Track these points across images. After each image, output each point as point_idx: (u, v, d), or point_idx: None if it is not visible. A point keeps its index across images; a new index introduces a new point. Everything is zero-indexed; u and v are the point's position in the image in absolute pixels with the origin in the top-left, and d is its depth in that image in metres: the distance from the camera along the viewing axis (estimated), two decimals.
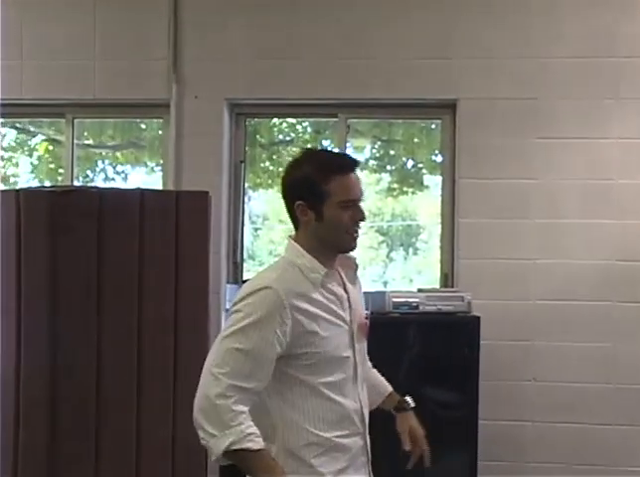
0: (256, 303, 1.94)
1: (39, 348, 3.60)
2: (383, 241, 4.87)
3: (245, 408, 1.90)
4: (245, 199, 4.65)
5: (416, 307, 3.82)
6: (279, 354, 1.96)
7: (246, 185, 4.67)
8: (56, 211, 3.62)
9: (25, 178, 4.99)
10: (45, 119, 4.95)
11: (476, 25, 4.31)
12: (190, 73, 4.44)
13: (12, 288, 3.60)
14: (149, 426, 3.65)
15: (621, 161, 4.22)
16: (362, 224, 2.09)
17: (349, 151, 4.52)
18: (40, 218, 3.62)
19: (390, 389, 2.39)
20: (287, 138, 4.93)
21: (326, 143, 4.85)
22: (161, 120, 4.65)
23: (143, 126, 4.95)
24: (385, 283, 4.76)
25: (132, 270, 3.66)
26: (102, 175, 4.94)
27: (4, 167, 4.96)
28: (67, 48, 4.48)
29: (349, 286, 2.14)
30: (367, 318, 2.19)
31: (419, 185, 4.79)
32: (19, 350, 3.61)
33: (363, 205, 2.10)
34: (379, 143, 4.82)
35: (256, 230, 4.95)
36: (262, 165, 4.88)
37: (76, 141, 4.70)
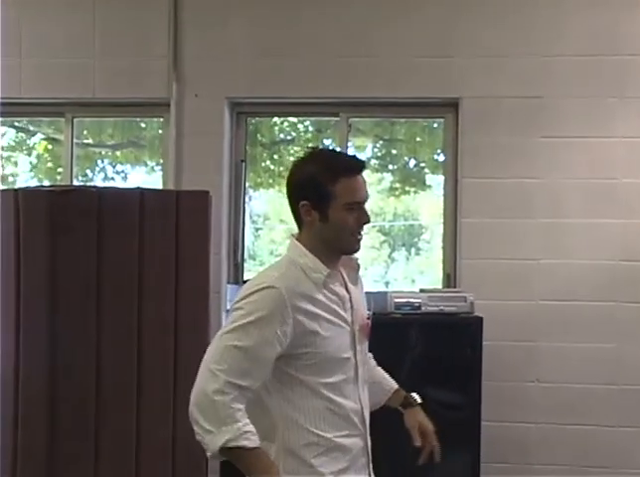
0: (258, 302, 1.93)
1: (38, 348, 3.61)
2: (384, 241, 4.86)
3: (242, 406, 1.89)
4: (246, 198, 4.63)
5: (419, 308, 3.81)
6: (279, 353, 1.95)
7: (247, 184, 4.66)
8: (55, 210, 3.63)
9: (24, 177, 4.99)
10: (44, 118, 4.94)
11: (479, 23, 4.30)
12: (190, 71, 4.43)
13: (11, 288, 3.61)
14: (149, 427, 3.66)
15: (625, 160, 4.20)
16: (366, 226, 2.09)
17: (350, 150, 4.52)
18: (39, 217, 3.63)
19: (395, 386, 2.38)
20: (288, 137, 4.92)
21: (327, 142, 4.85)
22: (161, 119, 4.64)
23: (143, 125, 4.94)
24: (386, 284, 4.75)
25: (132, 270, 3.66)
26: (102, 174, 4.93)
27: (3, 166, 4.95)
28: (66, 46, 4.46)
29: (351, 287, 2.14)
30: (368, 319, 2.18)
31: (422, 184, 4.78)
32: (18, 350, 3.62)
33: (366, 206, 2.09)
34: (380, 142, 4.81)
35: (257, 229, 4.94)
36: (263, 164, 4.87)
37: (75, 140, 4.69)
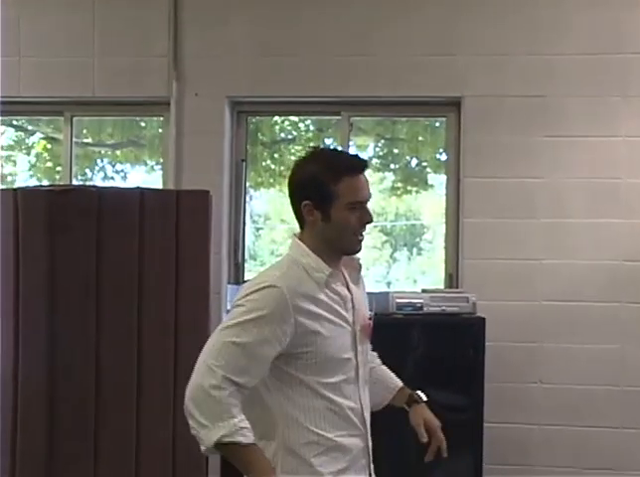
0: (260, 300, 1.93)
1: (37, 348, 3.62)
2: (386, 241, 4.85)
3: (238, 402, 1.90)
4: (247, 198, 4.62)
5: (420, 308, 3.80)
6: (279, 352, 1.95)
7: (248, 184, 4.65)
8: (54, 210, 3.63)
9: (23, 177, 4.99)
10: (43, 117, 4.94)
11: (481, 21, 4.28)
12: (190, 70, 4.42)
13: (10, 288, 3.61)
14: (149, 427, 3.66)
15: (629, 159, 4.19)
16: (368, 226, 2.08)
17: (352, 149, 4.52)
18: (38, 217, 3.63)
19: (399, 384, 2.36)
20: (289, 136, 4.91)
21: (329, 141, 4.84)
22: (161, 118, 4.63)
23: (143, 124, 4.94)
24: (388, 284, 4.74)
25: (132, 270, 3.66)
26: (101, 174, 4.93)
27: (2, 166, 4.94)
28: (65, 44, 4.46)
29: (352, 287, 2.13)
30: (370, 319, 2.17)
31: (424, 184, 4.78)
32: (17, 350, 3.62)
33: (369, 206, 2.09)
34: (382, 141, 4.80)
35: (258, 229, 4.94)
36: (264, 164, 4.87)
37: (74, 139, 4.68)
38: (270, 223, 4.95)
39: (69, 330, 3.63)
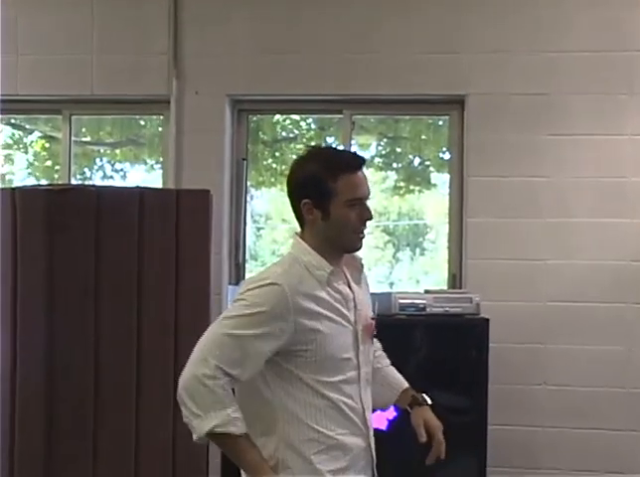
0: (261, 296, 1.95)
1: (36, 348, 3.62)
2: (389, 241, 4.86)
3: (231, 392, 1.93)
4: (248, 198, 4.61)
5: (423, 309, 3.78)
6: (276, 349, 1.96)
7: (249, 183, 4.64)
8: (53, 210, 3.63)
9: (20, 176, 5.00)
10: (41, 116, 4.94)
11: (485, 18, 4.26)
12: (191, 68, 4.40)
13: (8, 287, 3.61)
14: (148, 427, 3.67)
15: (635, 158, 4.16)
16: (368, 223, 2.09)
17: (354, 148, 4.51)
18: (36, 217, 3.63)
19: (404, 385, 2.35)
20: (291, 135, 4.92)
21: (330, 140, 4.85)
22: (161, 117, 4.62)
23: (142, 123, 4.95)
24: (391, 284, 4.75)
25: (131, 270, 3.67)
26: (100, 173, 4.94)
27: (1, 165, 4.95)
28: (64, 42, 4.44)
29: (354, 287, 2.13)
30: (373, 319, 2.18)
31: (426, 183, 4.77)
32: (15, 350, 3.62)
33: (369, 203, 2.09)
34: (385, 140, 4.80)
35: (259, 229, 4.95)
36: (265, 163, 4.87)
37: (73, 138, 4.67)
38: (271, 222, 4.96)
39: (67, 330, 3.63)
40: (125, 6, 4.43)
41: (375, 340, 2.29)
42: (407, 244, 4.87)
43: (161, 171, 4.65)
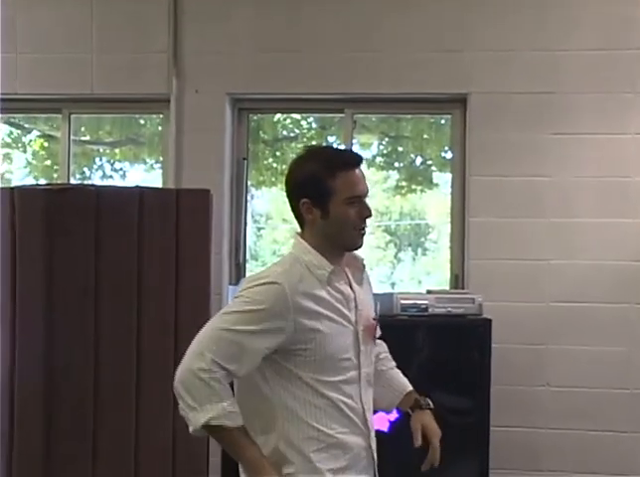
0: (261, 294, 1.97)
1: (35, 348, 3.63)
2: (390, 241, 4.85)
3: (228, 387, 1.95)
4: (248, 197, 4.60)
5: (425, 309, 3.77)
6: (274, 347, 1.97)
7: (249, 183, 4.63)
8: (52, 209, 3.64)
9: (19, 175, 4.99)
10: (40, 115, 4.93)
11: (487, 16, 4.25)
12: (191, 66, 4.39)
13: (7, 288, 3.62)
14: (148, 427, 3.67)
15: (638, 157, 4.15)
16: (368, 221, 2.10)
17: (355, 148, 4.50)
18: (35, 216, 3.63)
19: (408, 388, 2.36)
20: (291, 134, 4.90)
21: (332, 139, 4.84)
22: (161, 116, 4.61)
23: (142, 122, 4.93)
24: (392, 285, 4.73)
25: (131, 270, 3.67)
26: (100, 172, 4.93)
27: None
28: (63, 40, 4.43)
29: (356, 287, 2.14)
30: (375, 320, 2.18)
31: (428, 183, 4.76)
32: (14, 350, 3.63)
33: (369, 202, 2.10)
34: (386, 139, 4.78)
35: (259, 229, 4.94)
36: (266, 162, 4.85)
37: (72, 137, 4.66)
38: (272, 222, 4.95)
39: (67, 329, 3.64)
40: (125, 4, 4.42)
41: (381, 342, 2.32)
42: (409, 244, 4.86)
43: (161, 170, 4.64)
